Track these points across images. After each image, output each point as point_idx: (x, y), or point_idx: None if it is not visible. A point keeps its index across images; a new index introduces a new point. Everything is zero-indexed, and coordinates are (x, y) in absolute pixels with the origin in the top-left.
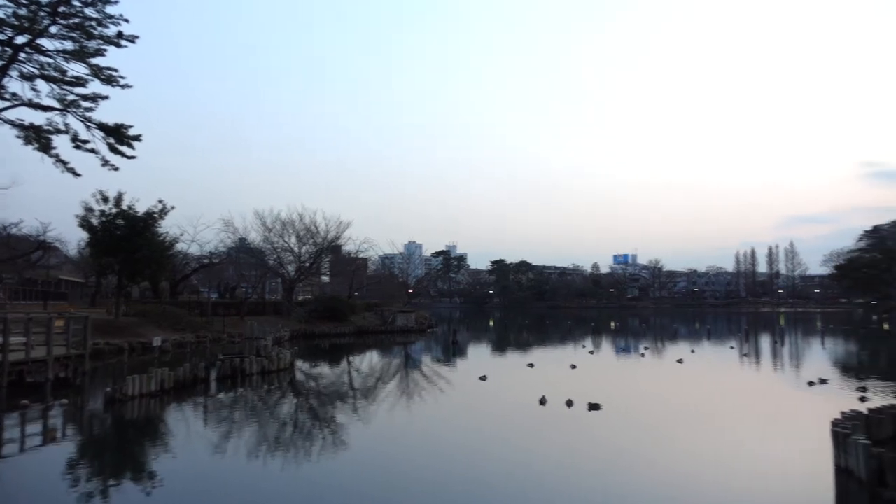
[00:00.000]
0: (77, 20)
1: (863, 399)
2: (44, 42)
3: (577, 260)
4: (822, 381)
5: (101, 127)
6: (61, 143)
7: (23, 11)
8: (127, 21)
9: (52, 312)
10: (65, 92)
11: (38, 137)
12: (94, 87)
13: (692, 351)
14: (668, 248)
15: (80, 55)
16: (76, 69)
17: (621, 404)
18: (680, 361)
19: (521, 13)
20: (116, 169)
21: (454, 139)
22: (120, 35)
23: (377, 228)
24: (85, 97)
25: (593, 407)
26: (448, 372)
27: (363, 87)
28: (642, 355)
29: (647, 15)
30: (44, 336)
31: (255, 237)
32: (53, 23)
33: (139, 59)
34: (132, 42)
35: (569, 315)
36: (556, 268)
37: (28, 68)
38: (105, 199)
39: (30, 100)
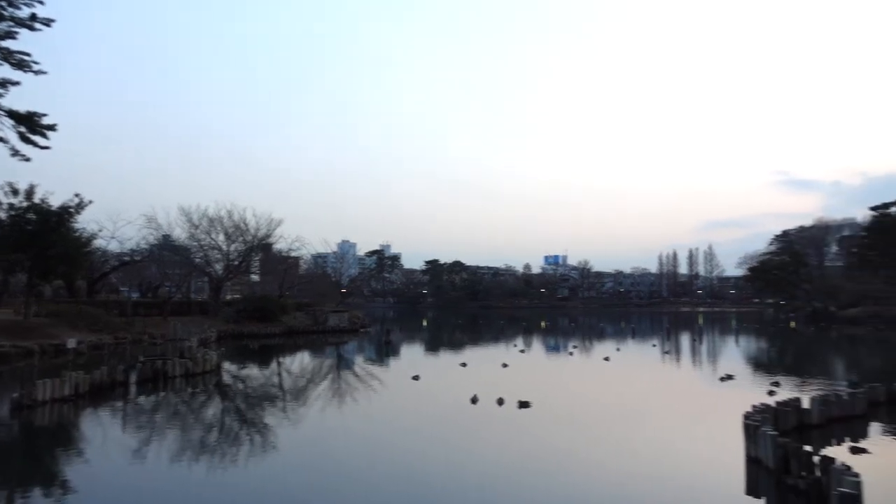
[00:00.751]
0: None
1: (771, 393)
2: None
3: (510, 260)
4: (729, 377)
5: (11, 115)
6: None
7: None
8: (42, 3)
9: None
10: None
11: None
12: (5, 71)
13: (618, 349)
14: (596, 249)
15: None
16: None
17: (550, 402)
18: (607, 359)
19: (457, 13)
20: (28, 160)
21: (389, 138)
22: (34, 17)
23: (310, 227)
24: None
25: (523, 405)
26: (381, 372)
27: (296, 83)
28: (571, 354)
29: (578, 20)
30: None
31: (180, 234)
32: None
33: (61, 45)
34: (47, 25)
35: (501, 315)
36: (489, 268)
37: None
38: (14, 192)
39: None
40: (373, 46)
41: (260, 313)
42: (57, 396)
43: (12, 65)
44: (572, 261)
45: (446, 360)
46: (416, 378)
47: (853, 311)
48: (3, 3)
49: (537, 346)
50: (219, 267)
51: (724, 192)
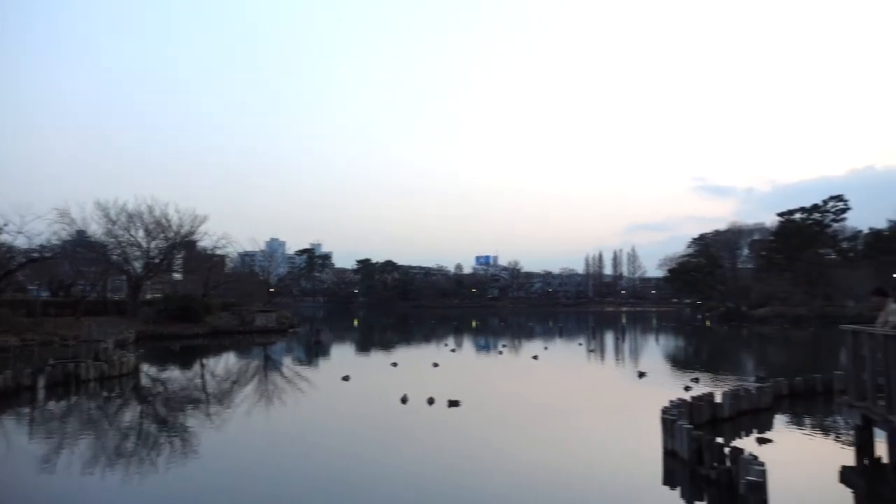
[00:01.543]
0: None
1: (687, 388)
2: None
3: (442, 260)
4: (642, 375)
5: None
6: None
7: None
8: None
9: None
10: None
11: None
12: None
13: (546, 348)
14: (526, 250)
15: None
16: None
17: (479, 400)
18: (535, 358)
19: (390, 9)
20: None
21: (321, 136)
22: None
23: (238, 224)
24: None
25: (453, 404)
26: (310, 372)
27: (227, 76)
28: (500, 353)
29: (508, 23)
30: None
31: (95, 230)
32: None
33: None
34: None
35: (433, 314)
36: (421, 268)
37: None
38: None
39: None
40: (301, 41)
41: (182, 313)
42: None
43: None
44: (503, 261)
45: (377, 359)
46: (346, 378)
47: (762, 311)
48: None
49: (468, 345)
50: (138, 265)
51: (648, 197)
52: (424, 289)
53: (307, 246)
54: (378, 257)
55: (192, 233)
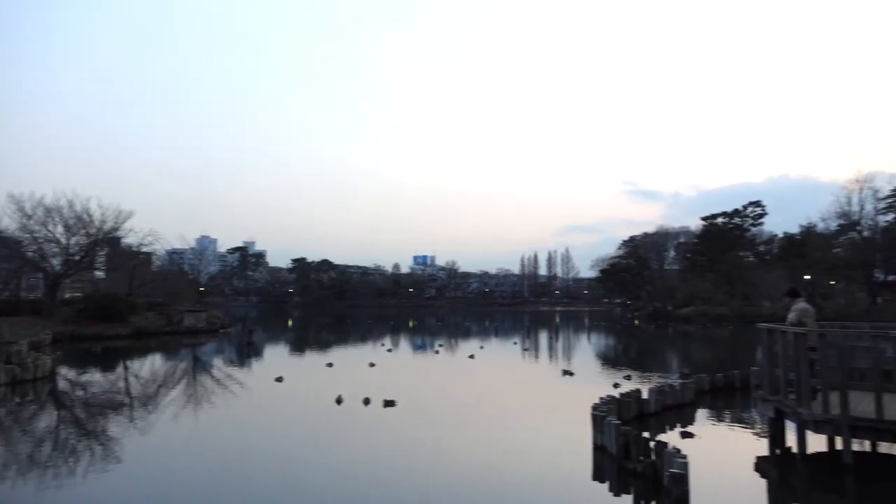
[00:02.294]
0: None
1: (616, 385)
2: None
3: (379, 260)
4: (567, 373)
5: None
6: None
7: None
8: None
9: None
10: None
11: None
12: None
13: (482, 347)
14: (463, 250)
15: None
16: None
17: (416, 400)
18: (472, 357)
19: (326, 8)
20: None
21: (254, 134)
22: None
23: (166, 221)
24: None
25: (388, 404)
26: (241, 374)
27: (151, 66)
28: (437, 352)
29: (452, 20)
30: None
31: (9, 224)
32: None
33: None
34: None
35: (369, 314)
36: (358, 267)
37: None
38: None
39: None
40: (235, 35)
41: (104, 313)
42: None
43: None
44: (440, 261)
45: (312, 360)
46: (279, 380)
47: (686, 310)
48: None
49: (405, 345)
50: (56, 262)
51: (582, 199)
52: (361, 288)
53: (240, 244)
54: (314, 256)
55: (116, 229)
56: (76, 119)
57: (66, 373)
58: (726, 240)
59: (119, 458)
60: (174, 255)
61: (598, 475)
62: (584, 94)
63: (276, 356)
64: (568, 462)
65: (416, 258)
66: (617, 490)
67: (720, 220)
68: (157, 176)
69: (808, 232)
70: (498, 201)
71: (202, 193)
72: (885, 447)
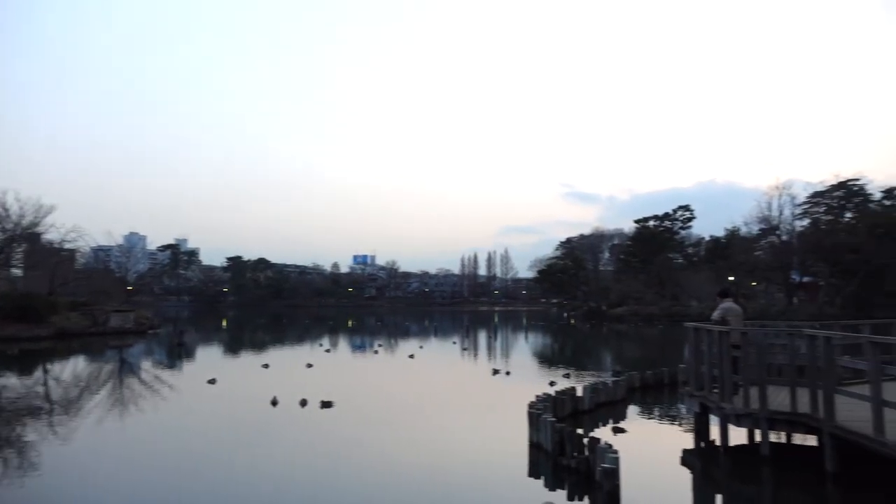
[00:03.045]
0: None
1: (552, 384)
2: None
3: (319, 259)
4: (497, 372)
5: None
6: None
7: None
8: None
9: None
10: None
11: None
12: None
13: (421, 347)
14: (404, 250)
15: None
16: None
17: (354, 401)
18: (412, 357)
19: (268, 2)
20: None
21: (186, 124)
22: None
23: (92, 216)
24: None
25: (326, 405)
26: (172, 376)
27: (81, 57)
28: (376, 352)
29: (394, 22)
30: None
31: None
32: None
33: None
34: None
35: (308, 314)
36: (296, 266)
37: None
38: None
39: None
40: (168, 23)
41: (21, 313)
42: None
43: None
44: (380, 261)
45: (247, 361)
46: (212, 381)
47: (619, 310)
48: None
49: (343, 345)
50: None
51: (521, 201)
52: (299, 288)
53: (171, 241)
54: (250, 255)
55: (35, 224)
56: None
57: None
58: (657, 242)
59: (37, 467)
60: (100, 252)
61: (534, 471)
62: (524, 98)
63: (208, 357)
64: (505, 460)
65: (355, 257)
66: (552, 486)
67: (652, 223)
68: (82, 169)
69: (732, 235)
70: (439, 202)
71: (131, 188)
72: (798, 438)
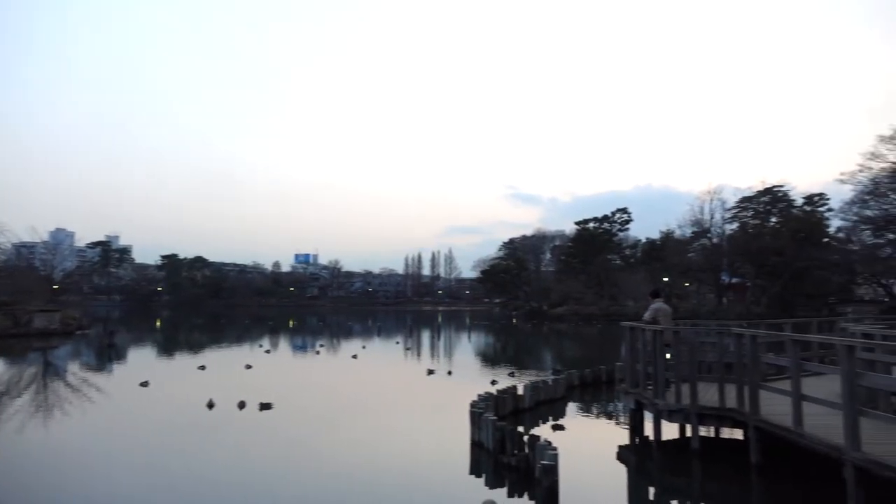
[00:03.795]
0: None
1: (493, 382)
2: None
3: (259, 257)
4: (431, 372)
5: None
6: None
7: None
8: None
9: None
10: None
11: None
12: None
13: (364, 347)
14: (347, 249)
15: None
16: None
17: (294, 402)
18: (354, 357)
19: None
20: None
21: (118, 113)
22: None
23: (14, 211)
24: None
25: (265, 407)
26: (101, 379)
27: (9, 45)
28: (318, 352)
29: (340, 18)
30: None
31: None
32: None
33: None
34: None
35: (247, 314)
36: (235, 265)
37: None
38: None
39: None
40: (102, 14)
41: None
42: None
43: None
44: (323, 260)
45: (182, 363)
46: (144, 384)
47: (560, 310)
48: None
49: (284, 345)
50: None
51: (465, 201)
52: (239, 287)
53: (102, 238)
54: (186, 252)
55: None
56: None
57: None
58: (597, 243)
59: None
60: (23, 249)
61: (475, 470)
62: (470, 100)
63: (141, 359)
64: (446, 459)
65: (297, 256)
66: (492, 484)
67: (592, 224)
68: (3, 161)
69: (667, 238)
70: (383, 201)
71: (58, 181)
72: (726, 432)
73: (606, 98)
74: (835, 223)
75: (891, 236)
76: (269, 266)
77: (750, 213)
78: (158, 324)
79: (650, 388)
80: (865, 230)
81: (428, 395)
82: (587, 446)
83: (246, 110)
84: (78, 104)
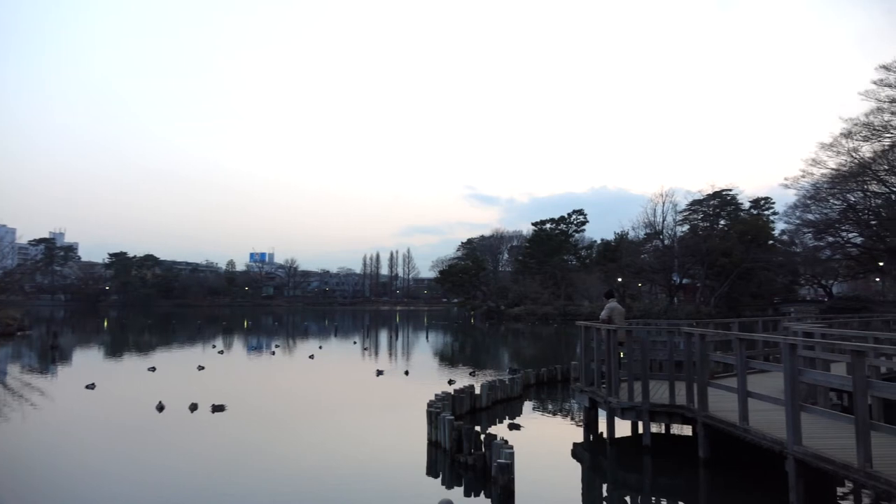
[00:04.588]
0: None
1: (451, 382)
2: None
3: (213, 256)
4: (381, 373)
5: None
6: None
7: None
8: None
9: None
10: None
11: None
12: None
13: (321, 347)
14: (304, 248)
15: None
16: None
17: (248, 403)
18: (311, 357)
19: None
20: None
21: (63, 105)
22: None
23: None
24: None
25: (217, 409)
26: (45, 382)
27: None
28: (273, 353)
29: (295, 10)
30: None
31: None
32: None
33: None
34: None
35: (200, 314)
36: (187, 263)
37: None
38: None
39: None
40: (53, 4)
41: None
42: None
43: None
44: (279, 259)
45: (131, 365)
46: (90, 387)
47: (517, 309)
48: None
49: (238, 346)
50: None
51: (424, 201)
52: (191, 286)
53: (45, 235)
54: (136, 251)
55: None
56: None
57: None
58: (553, 244)
59: None
60: None
61: (432, 469)
62: (429, 100)
63: (87, 361)
64: (403, 459)
65: (252, 255)
66: (449, 483)
67: (548, 226)
68: None
69: (621, 239)
70: (341, 200)
71: None
72: (676, 428)
73: (564, 102)
74: (779, 226)
75: (830, 239)
76: (223, 265)
77: (700, 216)
78: (106, 324)
79: (604, 386)
80: (807, 233)
81: (385, 396)
82: (543, 444)
83: (199, 105)
84: (19, 94)
